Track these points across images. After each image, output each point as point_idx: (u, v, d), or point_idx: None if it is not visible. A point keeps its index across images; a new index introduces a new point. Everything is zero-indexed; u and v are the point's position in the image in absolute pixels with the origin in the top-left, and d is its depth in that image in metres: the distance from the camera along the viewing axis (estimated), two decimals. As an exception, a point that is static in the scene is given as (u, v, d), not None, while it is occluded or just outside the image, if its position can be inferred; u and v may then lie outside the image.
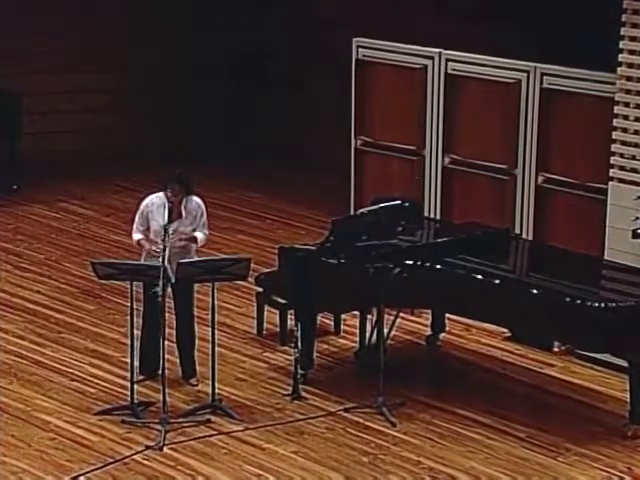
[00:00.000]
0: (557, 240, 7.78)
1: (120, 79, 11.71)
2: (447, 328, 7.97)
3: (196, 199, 7.10)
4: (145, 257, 7.08)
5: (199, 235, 7.07)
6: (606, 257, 7.48)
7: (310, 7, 11.35)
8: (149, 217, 7.02)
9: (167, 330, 6.87)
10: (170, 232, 6.84)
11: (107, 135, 11.70)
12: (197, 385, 7.16)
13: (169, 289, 6.96)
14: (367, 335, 7.63)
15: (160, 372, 6.80)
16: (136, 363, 7.03)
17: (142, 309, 7.06)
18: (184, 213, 7.02)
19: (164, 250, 6.76)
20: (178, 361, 7.27)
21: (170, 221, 6.95)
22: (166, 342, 6.84)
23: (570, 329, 6.64)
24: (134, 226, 7.11)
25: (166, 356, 6.86)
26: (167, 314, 6.98)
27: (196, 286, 7.36)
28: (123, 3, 11.57)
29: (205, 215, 7.10)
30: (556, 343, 7.75)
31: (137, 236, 7.09)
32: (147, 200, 7.09)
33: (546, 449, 6.61)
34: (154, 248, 6.91)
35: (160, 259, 6.76)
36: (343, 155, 9.11)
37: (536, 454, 6.57)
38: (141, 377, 7.16)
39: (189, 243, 7.07)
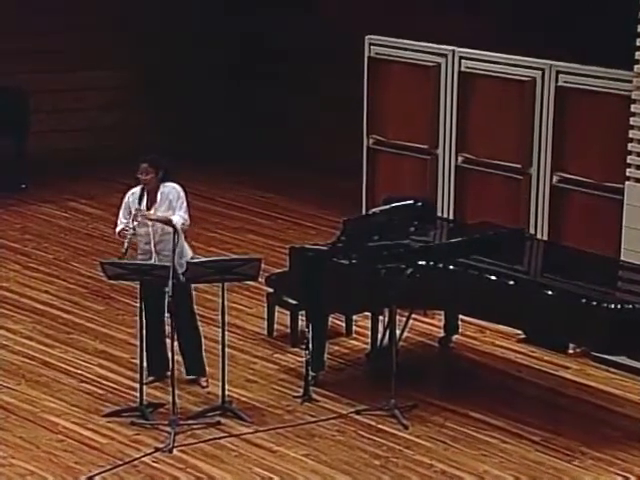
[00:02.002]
0: (572, 240, 7.75)
1: (127, 78, 11.75)
2: (460, 330, 7.95)
3: (172, 184, 6.98)
4: (136, 254, 7.02)
5: (174, 217, 6.86)
6: (622, 258, 7.45)
7: (311, 6, 11.36)
8: (130, 207, 6.99)
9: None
10: (140, 214, 6.77)
11: (115, 134, 11.73)
12: (207, 386, 7.16)
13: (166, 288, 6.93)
14: (379, 337, 7.61)
15: (169, 373, 6.80)
16: (144, 364, 7.04)
17: (144, 310, 7.02)
18: (159, 197, 6.94)
19: (134, 230, 6.75)
20: (182, 361, 7.23)
21: (140, 204, 6.84)
22: (174, 343, 6.84)
23: (586, 331, 6.60)
24: (118, 220, 7.06)
25: (175, 357, 6.86)
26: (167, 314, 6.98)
27: (206, 286, 7.35)
28: (127, 3, 11.62)
29: (182, 199, 6.91)
30: (571, 345, 7.72)
31: (118, 228, 7.03)
32: (129, 192, 7.07)
33: (561, 453, 6.59)
34: (125, 228, 6.84)
35: (128, 239, 6.72)
36: (352, 154, 9.10)
37: (551, 458, 6.54)
38: (150, 378, 7.16)
39: (170, 230, 6.86)
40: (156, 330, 7.01)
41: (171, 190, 6.95)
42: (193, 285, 7.10)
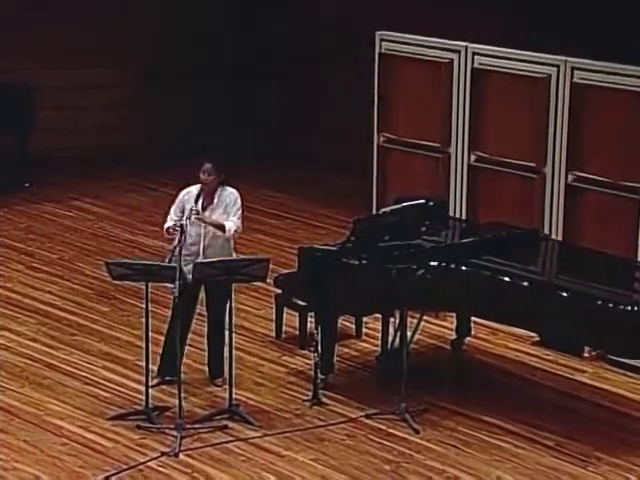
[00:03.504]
0: (588, 241, 7.73)
1: (132, 76, 11.81)
2: (473, 332, 7.95)
3: (230, 188, 7.08)
4: (171, 256, 7.01)
5: (227, 223, 6.98)
6: (639, 259, 7.43)
7: (311, 5, 11.39)
8: (184, 206, 7.02)
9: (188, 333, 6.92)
10: (194, 214, 6.80)
11: (120, 132, 11.77)
12: (222, 386, 7.16)
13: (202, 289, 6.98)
14: (389, 339, 7.62)
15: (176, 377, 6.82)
16: (155, 367, 7.06)
17: (172, 312, 7.05)
18: (216, 199, 7.00)
19: (185, 227, 6.75)
20: (206, 362, 7.28)
21: (196, 203, 6.90)
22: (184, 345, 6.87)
23: (601, 333, 6.60)
24: (168, 217, 7.10)
25: (183, 359, 6.88)
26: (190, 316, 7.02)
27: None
28: (133, 2, 11.68)
29: (238, 205, 7.03)
30: (586, 348, 7.72)
31: (167, 224, 7.04)
32: (184, 190, 7.12)
33: (576, 458, 6.58)
34: (176, 224, 6.86)
35: (177, 241, 6.74)
36: (363, 153, 9.11)
37: (566, 463, 6.54)
38: (156, 381, 7.17)
39: (222, 236, 6.97)
40: (182, 334, 6.99)
41: (229, 194, 7.03)
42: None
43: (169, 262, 6.71)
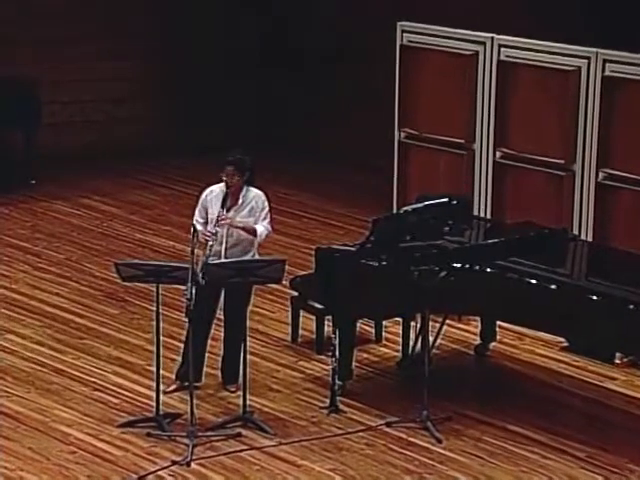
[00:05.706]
0: (619, 242, 7.71)
1: (143, 70, 11.84)
2: (498, 337, 7.94)
3: (256, 190, 7.10)
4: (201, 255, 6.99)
5: (259, 228, 7.02)
6: (673, 261, 7.40)
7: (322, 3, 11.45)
8: (207, 206, 7.03)
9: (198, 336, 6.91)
10: (223, 220, 6.84)
11: (130, 127, 11.80)
12: (235, 392, 7.17)
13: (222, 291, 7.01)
14: (410, 344, 7.61)
15: (197, 383, 6.84)
16: (166, 372, 7.07)
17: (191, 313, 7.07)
18: (241, 200, 7.01)
19: (215, 235, 6.78)
20: (219, 367, 7.30)
21: (224, 207, 6.93)
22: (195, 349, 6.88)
23: (634, 339, 6.57)
24: (194, 219, 7.11)
25: (204, 366, 6.89)
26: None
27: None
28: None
29: (267, 209, 7.06)
30: (618, 354, 7.69)
31: (198, 227, 7.01)
32: (207, 190, 7.13)
33: (607, 470, 6.55)
34: (205, 234, 6.89)
35: (209, 247, 6.76)
36: (384, 149, 9.11)
37: (596, 476, 6.51)
38: (172, 387, 7.17)
39: (248, 237, 7.01)
40: (201, 335, 7.00)
41: (255, 196, 7.05)
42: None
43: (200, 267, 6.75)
